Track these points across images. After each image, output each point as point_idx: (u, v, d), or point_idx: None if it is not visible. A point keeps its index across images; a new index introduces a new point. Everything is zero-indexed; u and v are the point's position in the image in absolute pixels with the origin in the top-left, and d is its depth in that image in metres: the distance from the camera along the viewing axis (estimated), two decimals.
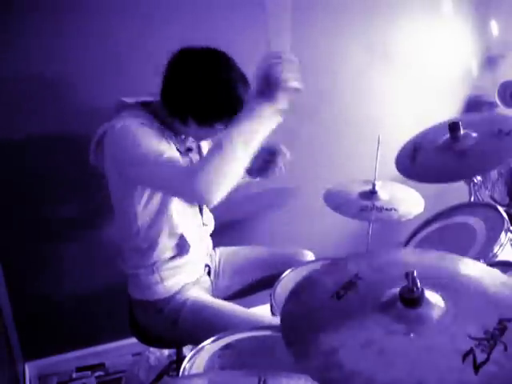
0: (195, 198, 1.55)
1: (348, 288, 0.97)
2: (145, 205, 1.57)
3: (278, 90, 1.33)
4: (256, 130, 1.37)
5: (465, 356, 0.79)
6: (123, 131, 1.47)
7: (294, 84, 1.35)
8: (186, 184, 1.38)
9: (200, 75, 1.49)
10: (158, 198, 1.57)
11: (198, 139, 1.69)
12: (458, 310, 0.89)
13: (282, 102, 1.36)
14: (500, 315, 0.85)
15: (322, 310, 0.94)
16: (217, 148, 1.37)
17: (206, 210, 1.77)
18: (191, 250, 1.65)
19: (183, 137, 1.65)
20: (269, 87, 1.34)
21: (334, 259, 1.10)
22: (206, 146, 1.77)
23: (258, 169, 1.81)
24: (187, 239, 1.63)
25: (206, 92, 1.49)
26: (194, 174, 1.37)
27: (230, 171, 1.37)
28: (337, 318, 0.92)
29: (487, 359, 0.78)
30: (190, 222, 1.67)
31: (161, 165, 1.42)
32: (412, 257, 1.09)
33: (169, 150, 1.48)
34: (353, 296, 0.96)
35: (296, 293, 1.01)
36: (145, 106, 1.60)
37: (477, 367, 0.77)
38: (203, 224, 1.75)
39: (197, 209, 1.71)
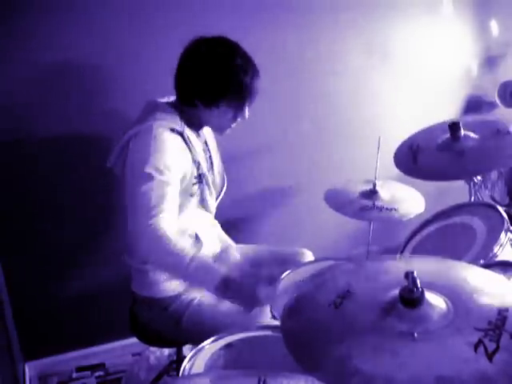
0: (129, 246, 1.57)
1: (344, 297, 0.97)
2: None
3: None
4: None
5: (476, 346, 0.80)
6: (152, 135, 1.50)
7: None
8: (134, 244, 1.49)
9: (207, 59, 1.54)
10: (176, 202, 1.56)
11: (213, 126, 1.69)
12: (457, 307, 0.90)
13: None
14: (498, 307, 0.87)
15: (323, 321, 0.94)
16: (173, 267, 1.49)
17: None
18: (202, 249, 1.66)
19: (202, 129, 1.69)
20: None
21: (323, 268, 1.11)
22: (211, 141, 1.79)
23: None
24: (200, 238, 1.65)
25: (210, 74, 1.54)
26: (144, 252, 1.49)
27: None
28: (340, 326, 0.92)
29: (497, 347, 0.79)
30: (203, 222, 1.70)
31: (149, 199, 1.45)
32: (400, 265, 1.10)
33: (170, 183, 1.50)
34: (351, 303, 0.96)
35: (292, 309, 1.01)
36: (170, 104, 1.63)
37: (490, 355, 0.78)
38: (214, 225, 1.77)
39: (211, 213, 1.74)
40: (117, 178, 1.65)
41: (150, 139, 1.50)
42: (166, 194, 1.47)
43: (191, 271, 1.45)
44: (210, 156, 1.76)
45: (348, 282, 1.01)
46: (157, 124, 1.53)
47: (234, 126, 1.65)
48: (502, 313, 0.85)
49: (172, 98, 1.67)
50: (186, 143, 1.58)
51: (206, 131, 1.76)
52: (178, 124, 1.57)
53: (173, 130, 1.54)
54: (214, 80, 1.54)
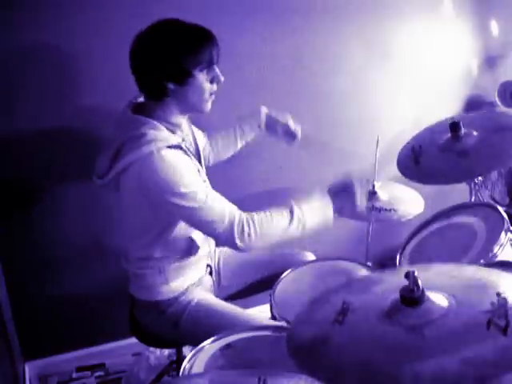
0: (232, 248, 1.57)
1: (344, 313, 0.98)
2: (163, 221, 1.58)
3: (353, 215, 1.66)
4: (316, 228, 1.62)
5: (488, 325, 0.83)
6: (161, 161, 1.45)
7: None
8: (231, 239, 1.51)
9: (162, 37, 1.48)
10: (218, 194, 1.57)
11: (194, 103, 1.56)
12: (458, 298, 0.93)
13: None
14: (494, 290, 0.89)
15: (333, 339, 0.94)
16: (278, 224, 1.54)
17: None
18: (199, 251, 1.66)
19: (180, 124, 1.61)
20: (346, 209, 1.64)
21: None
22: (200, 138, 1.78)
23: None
24: (196, 241, 1.64)
25: (174, 48, 1.47)
26: (244, 236, 1.51)
27: (277, 240, 1.58)
28: (352, 339, 0.93)
29: (507, 323, 0.82)
30: None
31: (209, 208, 1.49)
32: (388, 276, 1.13)
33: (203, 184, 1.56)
34: (353, 317, 0.96)
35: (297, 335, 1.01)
36: (141, 110, 1.56)
37: (504, 330, 0.81)
38: None
39: None
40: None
41: (166, 167, 1.45)
42: (217, 196, 1.54)
43: (301, 220, 1.56)
44: (196, 141, 1.73)
45: (344, 300, 1.01)
46: (157, 147, 1.45)
47: (213, 96, 1.56)
48: (500, 294, 0.87)
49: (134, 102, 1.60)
50: (188, 155, 1.55)
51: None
52: (172, 138, 1.52)
53: (170, 147, 1.48)
54: (180, 50, 1.46)
